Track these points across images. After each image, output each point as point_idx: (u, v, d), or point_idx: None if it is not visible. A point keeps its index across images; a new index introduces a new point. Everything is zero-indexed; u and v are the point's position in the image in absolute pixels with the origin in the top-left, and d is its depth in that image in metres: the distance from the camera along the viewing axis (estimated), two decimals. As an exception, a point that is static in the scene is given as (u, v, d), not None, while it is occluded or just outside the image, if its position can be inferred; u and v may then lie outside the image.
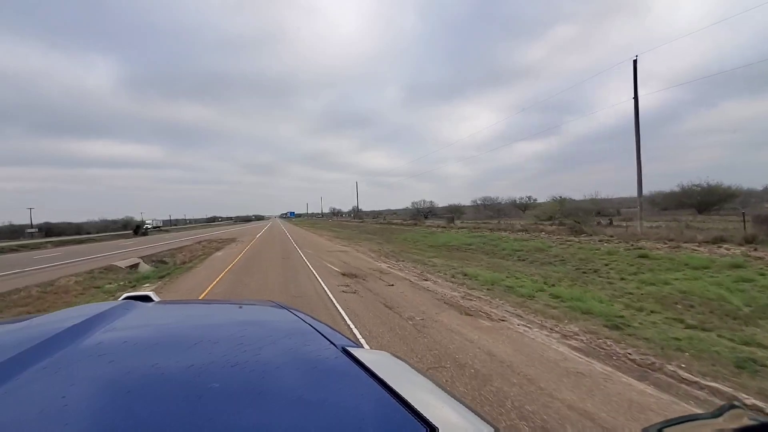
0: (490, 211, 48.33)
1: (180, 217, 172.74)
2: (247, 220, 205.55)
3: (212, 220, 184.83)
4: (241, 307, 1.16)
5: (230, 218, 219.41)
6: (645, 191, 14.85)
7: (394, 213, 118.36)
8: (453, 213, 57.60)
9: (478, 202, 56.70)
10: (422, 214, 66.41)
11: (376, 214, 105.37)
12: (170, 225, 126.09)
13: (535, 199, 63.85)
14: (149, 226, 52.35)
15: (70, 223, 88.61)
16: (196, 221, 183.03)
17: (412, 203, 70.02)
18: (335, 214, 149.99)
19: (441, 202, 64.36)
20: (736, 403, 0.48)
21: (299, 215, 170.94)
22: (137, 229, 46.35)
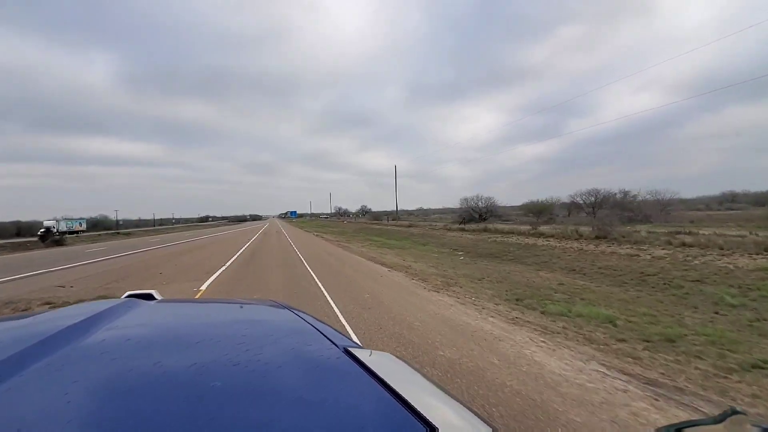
0: (625, 210, 30.07)
1: (167, 216, 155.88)
2: (241, 220, 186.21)
3: (204, 220, 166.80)
4: (242, 307, 1.15)
5: (225, 218, 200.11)
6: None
7: (412, 214, 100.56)
8: (537, 213, 39.77)
9: (578, 198, 38.47)
10: (478, 214, 48.75)
11: (393, 216, 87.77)
12: (158, 225, 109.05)
13: (635, 195, 45.24)
14: (53, 229, 33.81)
15: (18, 222, 70.57)
16: (186, 221, 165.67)
17: (462, 200, 51.93)
18: (341, 214, 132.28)
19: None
20: (738, 408, 0.47)
21: (301, 215, 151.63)
22: (46, 234, 28.10)
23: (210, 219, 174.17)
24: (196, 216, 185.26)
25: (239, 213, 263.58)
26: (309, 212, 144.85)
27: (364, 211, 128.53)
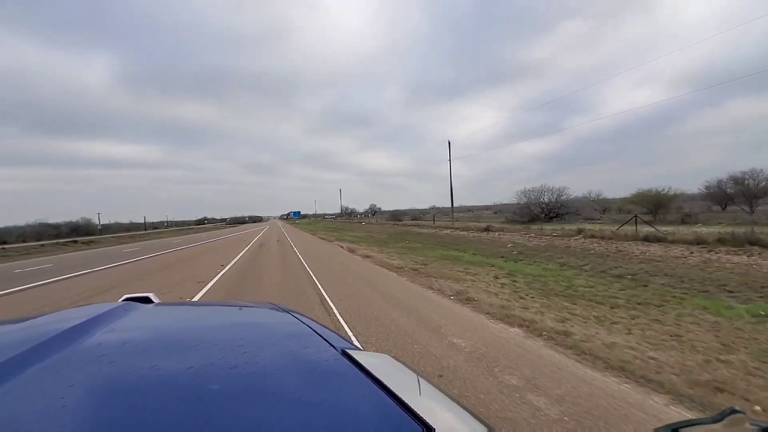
0: None
1: (160, 219, 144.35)
2: (239, 221, 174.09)
3: (200, 222, 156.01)
4: (240, 309, 1.13)
5: (223, 219, 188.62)
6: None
7: (427, 213, 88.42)
8: (653, 208, 28.08)
9: (712, 184, 25.95)
10: (542, 211, 37.13)
11: (419, 214, 76.47)
12: (151, 228, 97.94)
13: None
14: None
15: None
16: (183, 223, 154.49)
17: (520, 193, 40.04)
18: (348, 214, 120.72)
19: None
20: (737, 408, 0.47)
21: (305, 216, 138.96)
22: None
23: (206, 221, 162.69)
24: (194, 218, 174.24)
25: (241, 213, 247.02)
26: (313, 212, 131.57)
27: (374, 211, 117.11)
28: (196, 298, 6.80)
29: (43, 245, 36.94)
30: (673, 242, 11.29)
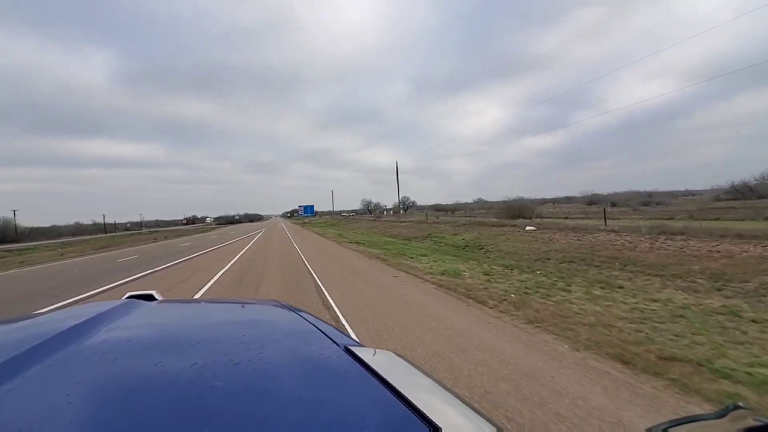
0: None
1: (165, 217, 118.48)
2: (231, 221, 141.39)
3: (187, 223, 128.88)
4: (243, 306, 1.14)
5: (218, 219, 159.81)
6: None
7: (489, 208, 61.37)
8: None
9: None
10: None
11: (474, 210, 49.78)
12: (123, 230, 72.79)
13: None
14: None
15: None
16: (168, 223, 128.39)
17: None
18: (370, 210, 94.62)
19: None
20: (740, 403, 0.47)
21: (318, 213, 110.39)
22: None
23: (185, 221, 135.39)
24: (182, 217, 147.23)
25: (239, 212, 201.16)
26: (329, 209, 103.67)
27: (406, 206, 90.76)
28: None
29: None
30: None
